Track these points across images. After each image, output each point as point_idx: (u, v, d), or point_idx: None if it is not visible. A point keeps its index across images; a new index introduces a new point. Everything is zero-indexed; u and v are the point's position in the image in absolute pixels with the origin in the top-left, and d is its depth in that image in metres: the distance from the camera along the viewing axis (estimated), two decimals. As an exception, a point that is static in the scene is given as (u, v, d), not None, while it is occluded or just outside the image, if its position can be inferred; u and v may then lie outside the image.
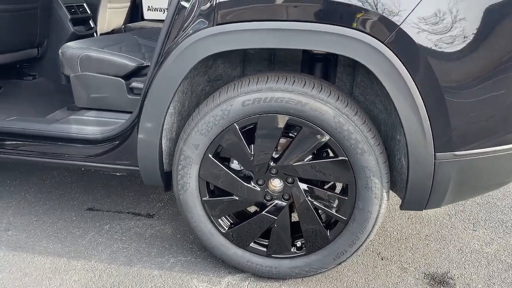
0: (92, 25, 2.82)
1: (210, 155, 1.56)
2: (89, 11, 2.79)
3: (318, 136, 1.46)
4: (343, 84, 1.82)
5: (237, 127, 1.51)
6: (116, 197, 2.33)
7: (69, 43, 1.98)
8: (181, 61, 1.48)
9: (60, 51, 1.92)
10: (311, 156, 1.53)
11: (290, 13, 1.39)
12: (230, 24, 1.41)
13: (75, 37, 2.64)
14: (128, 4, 3.27)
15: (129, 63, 1.89)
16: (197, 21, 1.46)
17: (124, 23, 3.30)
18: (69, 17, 2.57)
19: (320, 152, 1.59)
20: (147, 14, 3.30)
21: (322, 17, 1.36)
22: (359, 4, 1.33)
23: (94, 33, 2.84)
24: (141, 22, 3.26)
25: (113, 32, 3.12)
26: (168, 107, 1.56)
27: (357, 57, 1.35)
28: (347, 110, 1.44)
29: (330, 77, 1.73)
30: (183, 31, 1.50)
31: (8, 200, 2.27)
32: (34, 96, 2.44)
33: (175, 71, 1.50)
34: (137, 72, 1.93)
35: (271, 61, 1.88)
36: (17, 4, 2.24)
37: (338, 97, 1.45)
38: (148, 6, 3.27)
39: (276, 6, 1.41)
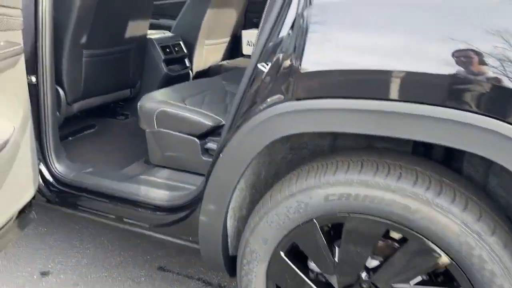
0: (188, 64, 2.73)
1: (281, 253, 1.24)
2: (185, 50, 2.70)
3: (433, 256, 1.04)
4: (474, 170, 1.35)
5: (317, 224, 1.17)
6: (189, 256, 2.13)
7: (149, 95, 1.85)
8: (253, 137, 1.20)
9: (138, 104, 1.79)
10: (420, 279, 1.11)
11: (397, 90, 1.00)
12: (313, 100, 1.08)
13: (168, 78, 2.56)
14: (227, 39, 3.14)
15: (204, 121, 1.68)
16: (273, 91, 1.17)
17: (223, 59, 3.17)
18: (163, 57, 2.50)
19: (435, 274, 1.15)
20: (246, 49, 3.13)
21: (443, 99, 0.95)
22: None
23: (190, 71, 2.75)
24: (239, 59, 3.09)
25: (209, 69, 3.00)
26: (236, 186, 1.29)
27: (499, 159, 0.91)
28: (480, 226, 0.99)
29: (454, 159, 1.28)
30: (258, 101, 1.22)
31: (86, 246, 2.23)
32: (123, 137, 2.40)
33: (245, 148, 1.23)
34: (215, 131, 1.71)
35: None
36: (112, 47, 2.22)
37: (467, 205, 1.01)
38: (247, 41, 3.10)
39: (379, 80, 1.04)
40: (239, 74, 2.45)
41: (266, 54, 1.22)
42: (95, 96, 2.27)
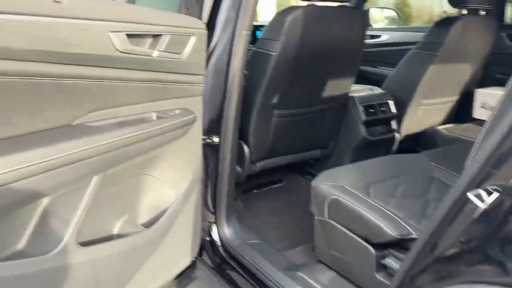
0: (394, 126, 2.28)
1: None
2: (394, 110, 2.27)
3: None
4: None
5: None
6: None
7: (327, 174, 1.54)
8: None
9: (312, 184, 1.50)
10: None
11: None
12: None
13: (367, 142, 2.19)
14: (456, 98, 2.52)
15: (386, 228, 1.24)
16: None
17: (444, 122, 2.57)
18: (364, 119, 2.14)
19: None
20: (478, 113, 2.44)
21: None
22: None
23: (396, 134, 2.29)
24: (466, 125, 2.42)
25: (423, 134, 2.46)
26: None
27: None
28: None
29: None
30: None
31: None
32: (305, 200, 2.17)
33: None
34: (399, 243, 1.25)
35: None
36: (307, 107, 2.01)
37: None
38: (482, 103, 2.40)
39: None
40: (459, 152, 1.87)
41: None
42: (282, 156, 2.11)
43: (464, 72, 2.39)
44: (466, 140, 2.13)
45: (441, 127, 2.43)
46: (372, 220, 1.28)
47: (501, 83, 2.55)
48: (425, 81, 2.22)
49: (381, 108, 2.23)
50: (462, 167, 1.55)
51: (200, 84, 1.40)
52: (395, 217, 1.28)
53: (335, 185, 1.44)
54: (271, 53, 1.74)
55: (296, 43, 1.73)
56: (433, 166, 1.66)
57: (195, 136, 1.45)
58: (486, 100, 2.40)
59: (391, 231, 1.23)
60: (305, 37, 1.74)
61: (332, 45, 1.86)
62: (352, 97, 2.18)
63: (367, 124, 2.18)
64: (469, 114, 2.54)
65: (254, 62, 1.79)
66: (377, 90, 2.34)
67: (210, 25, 1.46)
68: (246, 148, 1.94)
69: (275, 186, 2.38)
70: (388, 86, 2.39)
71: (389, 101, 2.27)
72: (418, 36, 3.03)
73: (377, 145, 2.27)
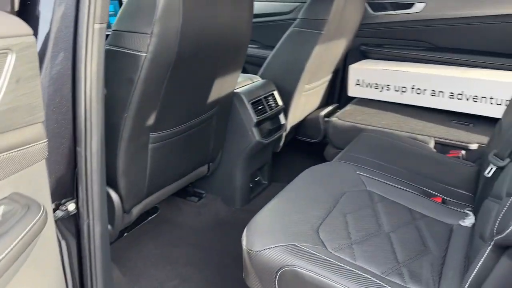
0: (282, 121, 1.94)
1: None
2: (280, 101, 1.92)
3: None
4: None
5: None
6: None
7: (256, 221, 1.08)
8: None
9: (245, 246, 1.03)
10: None
11: None
12: None
13: (260, 146, 1.79)
14: (329, 77, 2.31)
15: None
16: None
17: (321, 106, 2.36)
18: (255, 120, 1.72)
19: None
20: (353, 90, 2.30)
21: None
22: None
23: (284, 128, 1.96)
24: (348, 107, 2.24)
25: (307, 125, 2.20)
26: None
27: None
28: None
29: None
30: None
31: None
32: (191, 234, 1.67)
33: None
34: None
35: None
36: (189, 121, 1.47)
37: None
38: (358, 80, 2.26)
39: None
40: (369, 146, 1.64)
41: None
42: (164, 188, 1.54)
43: (340, 48, 2.18)
44: (361, 127, 1.94)
45: (331, 119, 2.20)
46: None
47: (365, 55, 2.46)
48: (310, 64, 1.91)
49: (268, 103, 1.85)
50: (385, 168, 1.26)
51: (40, 142, 0.73)
52: (376, 280, 0.93)
53: (283, 247, 1.00)
54: (139, 53, 1.12)
55: (174, 36, 1.15)
56: (359, 176, 1.37)
57: (46, 239, 0.78)
58: (360, 76, 2.26)
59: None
60: (186, 27, 1.17)
61: (217, 36, 1.33)
62: (238, 94, 1.72)
63: (258, 124, 1.77)
64: (341, 93, 2.40)
65: (113, 70, 1.14)
66: (257, 79, 1.94)
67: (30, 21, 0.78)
68: (114, 196, 1.30)
69: (148, 219, 1.79)
70: (267, 73, 2.01)
71: (274, 92, 1.90)
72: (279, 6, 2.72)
73: (268, 146, 1.91)
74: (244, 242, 1.04)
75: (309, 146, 2.31)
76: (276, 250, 0.99)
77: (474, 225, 1.19)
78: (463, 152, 1.73)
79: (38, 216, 0.68)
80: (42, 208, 0.70)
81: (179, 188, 1.64)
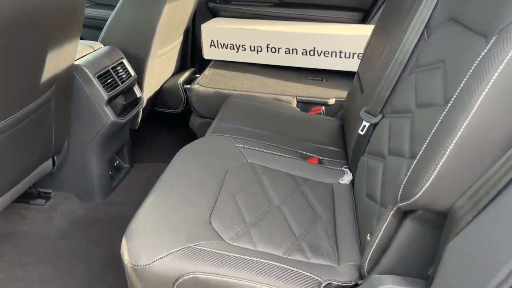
0: (138, 94, 1.69)
1: None
2: (132, 71, 1.65)
3: None
4: None
5: None
6: None
7: (135, 230, 0.89)
8: None
9: (128, 263, 0.83)
10: None
11: None
12: None
13: (117, 126, 1.52)
14: (180, 39, 2.10)
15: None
16: None
17: (175, 72, 2.15)
18: (106, 98, 1.45)
19: None
20: (208, 53, 2.14)
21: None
22: None
23: (141, 101, 1.71)
24: (207, 72, 2.08)
25: (167, 95, 1.99)
26: None
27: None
28: None
29: None
30: None
31: None
32: (44, 239, 1.38)
33: None
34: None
35: None
36: (20, 109, 1.12)
37: None
38: (212, 41, 2.11)
39: None
40: (232, 111, 1.54)
41: None
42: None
43: (189, 4, 1.97)
44: (226, 93, 1.82)
45: (181, 81, 2.01)
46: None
47: (214, 13, 2.32)
48: (162, 24, 1.67)
49: (119, 74, 1.57)
50: (260, 135, 1.25)
51: None
52: (281, 263, 0.86)
53: (176, 253, 0.83)
54: None
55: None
56: (238, 149, 1.28)
57: None
58: (214, 37, 2.12)
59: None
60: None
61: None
62: (79, 67, 1.39)
63: (110, 101, 1.49)
64: (196, 56, 2.23)
65: None
66: (99, 47, 1.62)
67: None
68: None
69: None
70: (110, 38, 1.69)
71: (123, 61, 1.62)
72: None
73: (125, 124, 1.65)
74: (125, 256, 0.84)
75: (169, 117, 2.11)
76: (169, 258, 0.82)
77: (353, 182, 1.22)
78: (323, 108, 1.78)
79: None
80: None
81: (19, 195, 1.29)
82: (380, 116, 1.11)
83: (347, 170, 1.25)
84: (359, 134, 1.17)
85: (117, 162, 1.79)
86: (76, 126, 1.46)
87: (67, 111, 1.40)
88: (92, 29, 2.12)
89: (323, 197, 1.16)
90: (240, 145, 1.29)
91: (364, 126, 1.16)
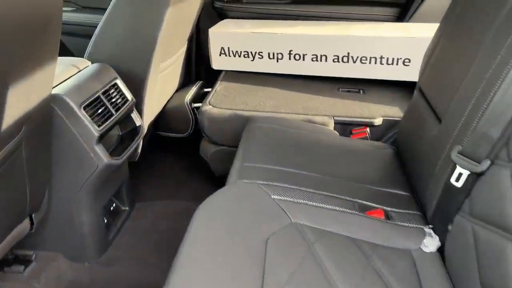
0: (138, 122, 1.34)
1: None
2: (129, 94, 1.30)
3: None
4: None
5: None
6: None
7: None
8: None
9: None
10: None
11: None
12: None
13: (111, 169, 1.18)
14: (184, 48, 1.75)
15: None
16: None
17: (179, 87, 1.81)
18: (97, 135, 1.10)
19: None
20: (217, 62, 1.79)
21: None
22: None
23: (141, 131, 1.37)
24: (219, 86, 1.73)
25: (166, 113, 1.64)
26: None
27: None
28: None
29: None
30: None
31: None
32: None
33: None
34: None
35: None
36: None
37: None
38: (223, 48, 1.75)
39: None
40: (272, 148, 1.21)
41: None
42: None
43: (194, 6, 1.62)
44: (245, 114, 1.48)
45: (188, 99, 1.66)
46: None
47: (222, 14, 1.97)
48: (163, 35, 1.33)
49: (112, 100, 1.22)
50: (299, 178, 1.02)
51: None
52: None
53: None
54: None
55: None
56: (275, 202, 0.95)
57: None
58: (224, 43, 1.77)
59: None
60: None
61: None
62: (59, 97, 1.05)
63: (102, 137, 1.15)
64: (202, 66, 1.88)
65: None
66: (85, 65, 1.27)
67: None
68: None
69: None
70: (100, 52, 1.34)
71: (117, 81, 1.27)
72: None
73: (123, 162, 1.30)
74: None
75: (175, 141, 1.77)
76: None
77: (440, 249, 0.90)
78: (368, 130, 1.44)
79: None
80: None
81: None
82: (488, 163, 0.77)
83: (431, 231, 0.92)
84: (452, 185, 0.84)
85: (114, 205, 1.45)
86: (59, 174, 1.12)
87: (44, 157, 1.06)
88: (77, 37, 1.77)
89: (405, 275, 0.83)
90: (278, 197, 0.96)
91: (460, 174, 0.82)
